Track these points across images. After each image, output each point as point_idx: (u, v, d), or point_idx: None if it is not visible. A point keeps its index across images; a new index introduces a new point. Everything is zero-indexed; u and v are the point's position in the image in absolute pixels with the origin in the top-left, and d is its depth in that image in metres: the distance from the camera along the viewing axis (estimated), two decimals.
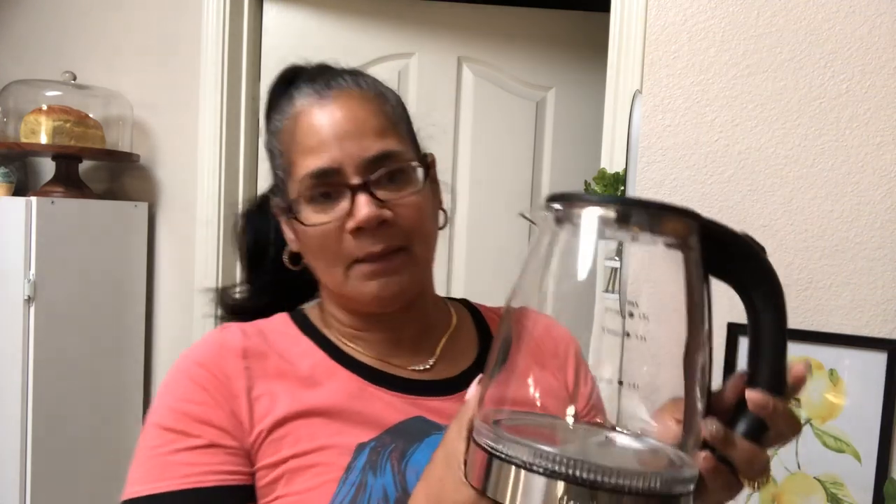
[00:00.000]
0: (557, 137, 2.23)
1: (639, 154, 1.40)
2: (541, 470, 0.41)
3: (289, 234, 0.80)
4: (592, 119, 1.96)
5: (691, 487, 0.44)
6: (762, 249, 0.51)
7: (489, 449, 0.45)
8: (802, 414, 1.32)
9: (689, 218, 0.47)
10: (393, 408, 0.74)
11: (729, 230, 0.50)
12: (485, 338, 0.86)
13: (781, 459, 1.33)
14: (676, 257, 0.48)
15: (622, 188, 1.46)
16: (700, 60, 1.37)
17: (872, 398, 1.28)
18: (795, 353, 1.32)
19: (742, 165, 1.35)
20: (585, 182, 1.63)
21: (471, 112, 2.19)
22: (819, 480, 1.31)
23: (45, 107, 2.01)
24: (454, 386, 0.78)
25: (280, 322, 0.80)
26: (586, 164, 2.06)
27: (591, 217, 0.47)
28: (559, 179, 2.23)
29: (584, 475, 0.40)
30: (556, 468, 0.41)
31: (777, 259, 1.35)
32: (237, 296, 0.90)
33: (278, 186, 0.80)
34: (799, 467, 1.32)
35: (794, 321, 1.34)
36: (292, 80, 0.80)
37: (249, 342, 0.75)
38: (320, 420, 0.71)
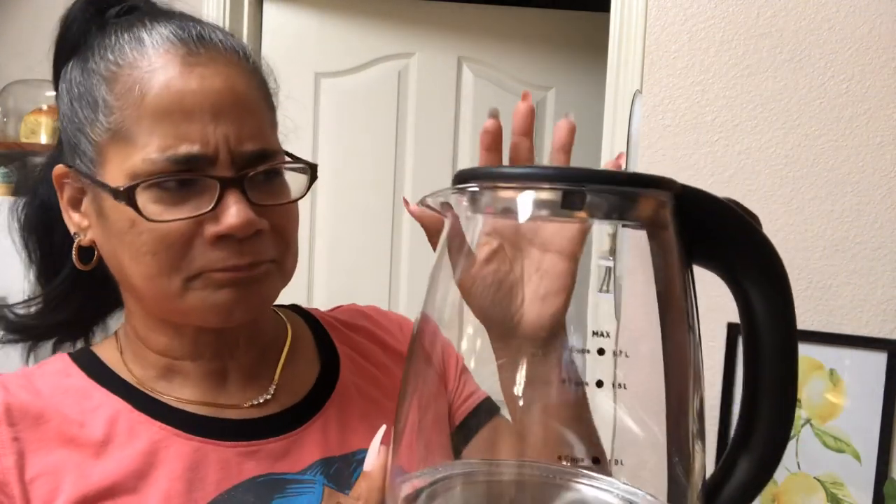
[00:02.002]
0: None
1: (639, 154, 1.40)
2: None
3: (75, 219, 0.59)
4: (592, 119, 1.96)
5: None
6: (755, 219, 0.38)
7: None
8: (802, 414, 1.32)
9: (663, 190, 0.34)
10: (227, 466, 0.56)
11: (711, 197, 0.36)
12: (325, 348, 0.69)
13: (782, 459, 1.33)
14: (641, 240, 0.34)
15: None
16: (700, 60, 1.37)
17: (872, 398, 1.28)
18: None
19: (742, 165, 1.35)
20: None
21: (471, 112, 2.19)
22: (819, 480, 1.31)
23: (45, 107, 2.01)
24: (299, 415, 0.61)
25: (59, 367, 0.59)
26: (586, 164, 2.05)
27: (528, 203, 0.33)
28: None
29: None
30: None
31: None
32: (22, 311, 0.66)
33: (77, 147, 0.57)
34: (799, 467, 1.32)
35: None
36: (103, 10, 0.59)
37: (15, 400, 0.54)
38: (126, 501, 0.52)
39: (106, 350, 0.62)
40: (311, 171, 0.59)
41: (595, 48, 2.01)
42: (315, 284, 2.12)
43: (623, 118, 1.51)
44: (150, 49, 0.55)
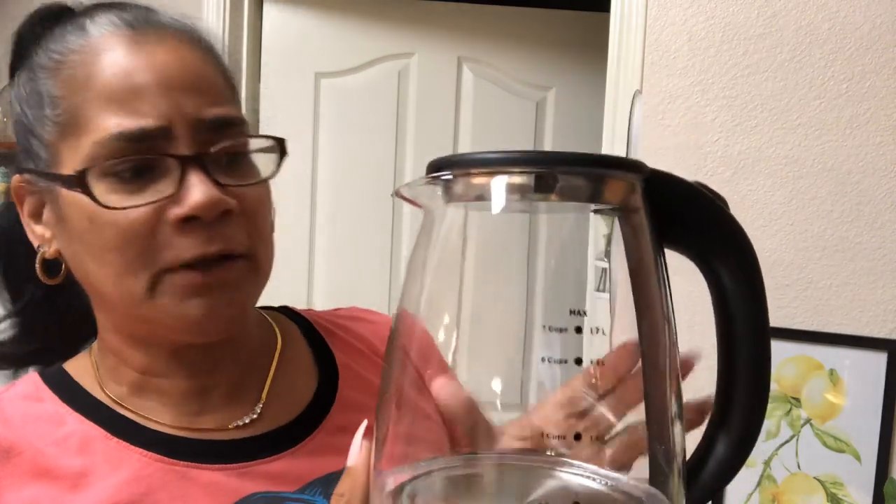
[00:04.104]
0: (557, 137, 2.23)
1: (639, 154, 1.40)
2: None
3: (38, 231, 0.55)
4: (592, 119, 1.96)
5: None
6: (723, 201, 0.38)
7: None
8: (802, 414, 1.32)
9: (632, 172, 0.34)
10: (218, 490, 0.52)
11: (679, 180, 0.37)
12: (322, 355, 0.64)
13: (781, 459, 1.33)
14: (614, 227, 0.35)
15: None
16: (700, 60, 1.37)
17: (872, 398, 1.28)
18: (796, 353, 1.32)
19: (742, 165, 1.35)
20: None
21: (471, 112, 2.19)
22: (819, 480, 1.31)
23: None
24: (294, 434, 0.57)
25: (29, 390, 0.55)
26: None
27: (500, 188, 0.33)
28: None
29: None
30: None
31: (777, 259, 1.36)
32: None
33: (30, 151, 0.53)
34: (799, 467, 1.32)
35: (794, 321, 1.35)
36: (59, 17, 0.56)
37: None
38: None
39: (79, 368, 0.57)
40: (279, 146, 0.55)
41: (595, 48, 2.01)
42: (315, 284, 2.12)
43: (623, 118, 1.51)
44: (94, 33, 0.52)
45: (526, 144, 2.22)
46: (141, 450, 0.53)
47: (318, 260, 2.12)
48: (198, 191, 0.48)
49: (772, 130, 1.34)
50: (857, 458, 1.29)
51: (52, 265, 0.55)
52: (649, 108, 1.40)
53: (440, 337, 0.35)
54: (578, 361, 0.33)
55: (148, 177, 0.49)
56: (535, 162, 0.32)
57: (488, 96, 2.19)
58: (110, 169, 0.49)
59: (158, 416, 0.55)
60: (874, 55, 1.29)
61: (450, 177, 0.34)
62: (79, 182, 0.49)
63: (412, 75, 2.17)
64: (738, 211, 1.33)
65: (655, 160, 1.38)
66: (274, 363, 0.61)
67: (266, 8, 2.12)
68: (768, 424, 1.33)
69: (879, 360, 1.28)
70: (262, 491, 0.54)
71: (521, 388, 0.35)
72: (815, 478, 1.31)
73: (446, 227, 0.36)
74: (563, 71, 2.21)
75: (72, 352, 0.61)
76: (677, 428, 0.34)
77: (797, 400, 1.32)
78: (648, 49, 1.40)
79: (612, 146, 1.58)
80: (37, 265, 0.55)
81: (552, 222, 0.36)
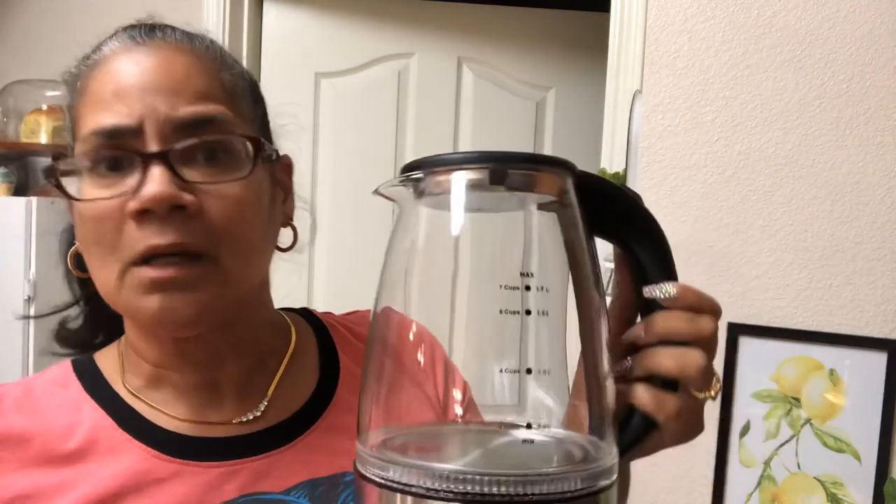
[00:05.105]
0: (557, 137, 2.23)
1: (639, 154, 1.40)
2: (448, 494, 0.35)
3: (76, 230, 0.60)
4: (592, 119, 1.96)
5: (614, 477, 0.40)
6: (637, 197, 0.48)
7: (379, 481, 0.38)
8: (802, 414, 1.32)
9: (565, 169, 0.43)
10: (208, 490, 0.55)
11: (604, 180, 0.47)
12: (329, 359, 0.66)
13: (781, 459, 1.33)
14: (552, 218, 0.43)
15: None
16: (700, 60, 1.37)
17: (872, 398, 1.28)
18: (795, 352, 1.32)
19: (742, 165, 1.35)
20: None
21: (471, 112, 2.19)
22: (819, 480, 1.31)
23: (45, 107, 2.01)
24: (289, 431, 0.59)
25: (58, 376, 0.60)
26: (586, 165, 2.06)
27: (457, 182, 0.41)
28: None
29: (497, 489, 0.35)
30: (465, 488, 0.35)
31: (777, 259, 1.36)
32: (72, 325, 0.68)
33: (62, 154, 0.59)
34: (799, 467, 1.32)
35: (794, 321, 1.35)
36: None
37: (3, 420, 0.55)
38: None
39: (107, 358, 0.61)
40: (253, 145, 0.54)
41: (595, 48, 2.01)
42: (315, 284, 2.12)
43: (623, 118, 1.51)
44: (104, 47, 0.57)
45: (526, 144, 2.23)
46: (142, 444, 0.56)
47: (318, 260, 2.13)
48: (152, 185, 0.49)
49: (772, 130, 1.34)
50: (857, 458, 1.29)
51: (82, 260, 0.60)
52: (649, 108, 1.40)
53: (413, 315, 0.43)
54: (528, 312, 0.41)
55: (120, 173, 0.52)
56: (491, 160, 0.40)
57: (488, 96, 2.19)
58: (85, 164, 0.52)
59: (171, 409, 0.58)
60: (874, 55, 1.29)
61: (420, 175, 0.41)
62: (49, 173, 0.53)
63: (412, 75, 2.17)
64: (738, 211, 1.34)
65: (655, 160, 1.38)
66: (283, 364, 0.63)
67: (266, 8, 2.12)
68: (768, 424, 1.33)
69: (879, 360, 1.28)
70: (246, 494, 0.56)
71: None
72: (815, 478, 1.32)
73: (417, 219, 0.43)
74: (563, 71, 2.22)
75: None
76: (609, 383, 0.42)
77: (797, 400, 1.32)
78: (648, 49, 1.40)
79: (611, 146, 1.59)
80: (68, 260, 0.60)
81: (503, 215, 0.45)
